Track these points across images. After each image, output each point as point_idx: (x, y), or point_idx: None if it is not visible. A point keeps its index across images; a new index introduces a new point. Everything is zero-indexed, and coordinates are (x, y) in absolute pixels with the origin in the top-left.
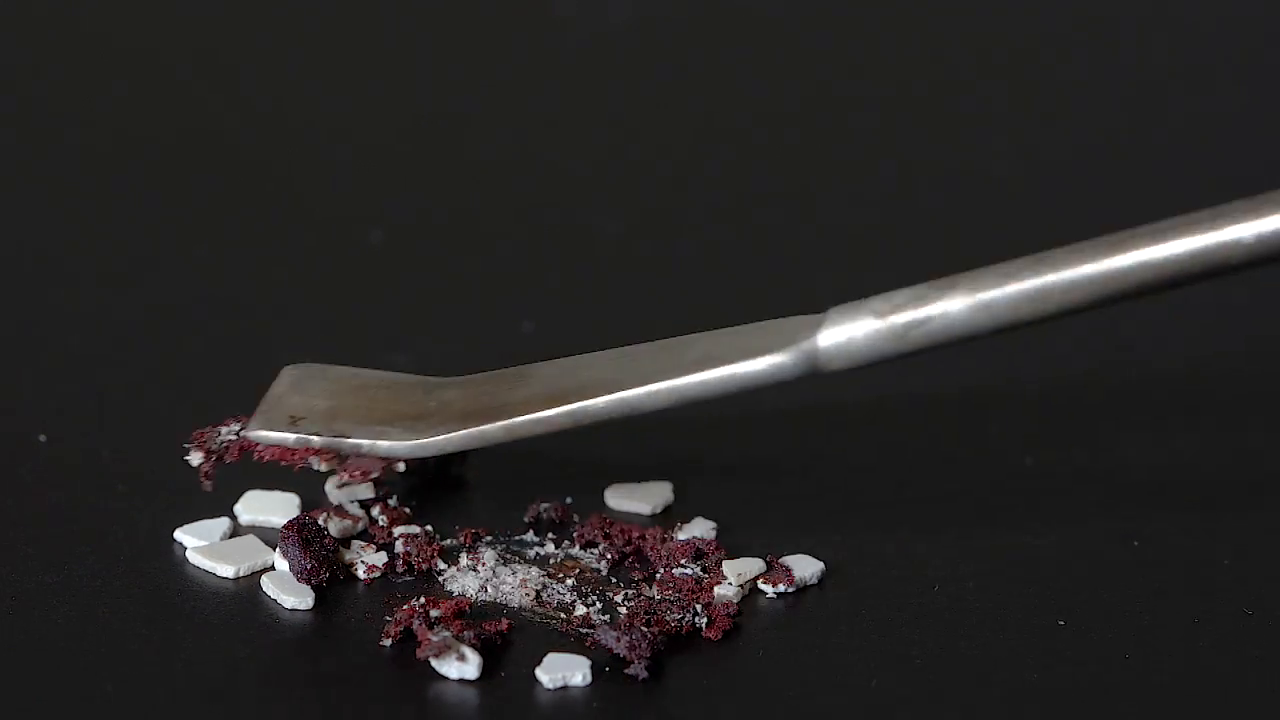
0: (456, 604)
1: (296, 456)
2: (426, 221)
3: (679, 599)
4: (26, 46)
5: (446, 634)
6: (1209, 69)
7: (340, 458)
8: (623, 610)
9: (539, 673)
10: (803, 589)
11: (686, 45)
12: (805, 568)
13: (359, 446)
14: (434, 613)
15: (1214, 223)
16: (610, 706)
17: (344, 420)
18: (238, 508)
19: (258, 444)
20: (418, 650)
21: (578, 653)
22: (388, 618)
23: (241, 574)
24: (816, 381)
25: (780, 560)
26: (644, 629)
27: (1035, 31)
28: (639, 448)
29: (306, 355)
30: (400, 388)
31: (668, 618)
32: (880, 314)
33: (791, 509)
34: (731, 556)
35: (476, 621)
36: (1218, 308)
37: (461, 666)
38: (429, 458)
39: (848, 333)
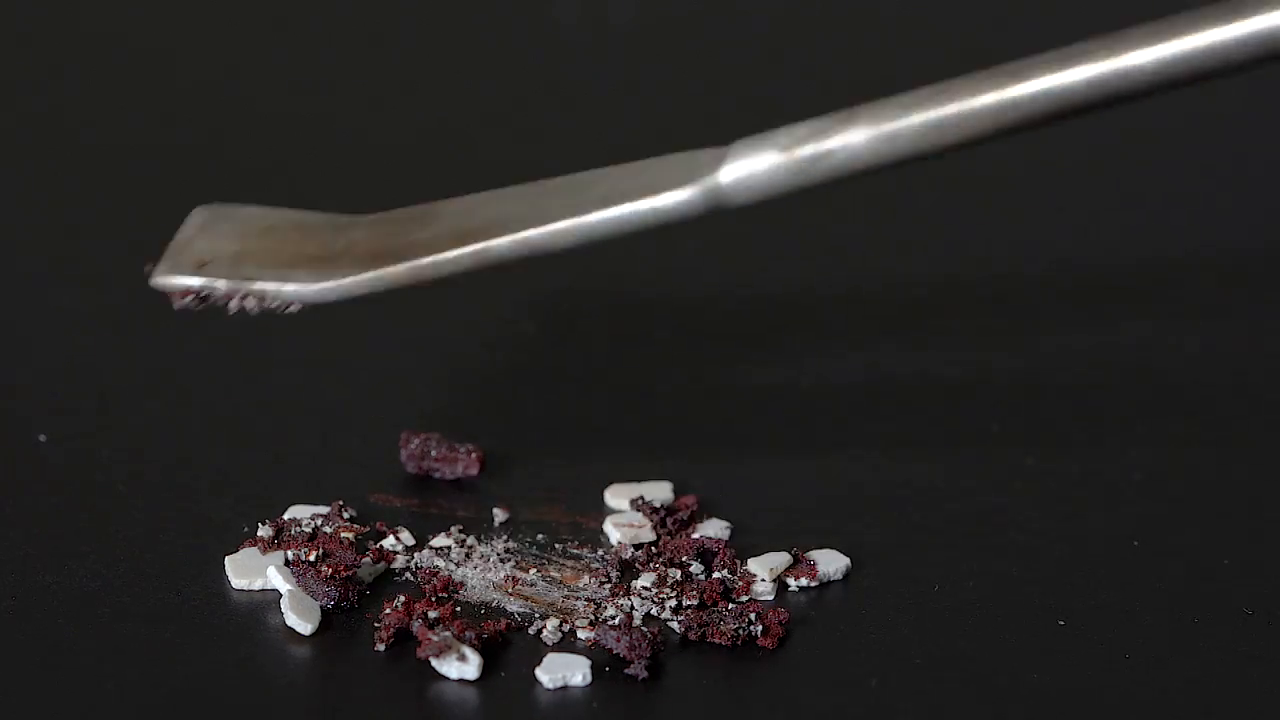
0: (453, 605)
1: (208, 300)
2: None
3: (734, 609)
4: (27, 47)
5: (447, 634)
6: None
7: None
8: (678, 621)
9: (539, 673)
10: (826, 583)
11: (686, 45)
12: (830, 562)
13: (264, 291)
14: (432, 614)
15: (1113, 49)
16: (610, 706)
17: (250, 263)
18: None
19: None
20: (418, 650)
21: (577, 653)
22: (376, 624)
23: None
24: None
25: (806, 554)
26: (644, 629)
27: None
28: (639, 448)
29: (306, 355)
30: (309, 228)
31: (722, 627)
32: (783, 148)
33: (790, 509)
34: (740, 556)
35: (477, 622)
36: (1218, 308)
37: (461, 666)
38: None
39: (749, 167)
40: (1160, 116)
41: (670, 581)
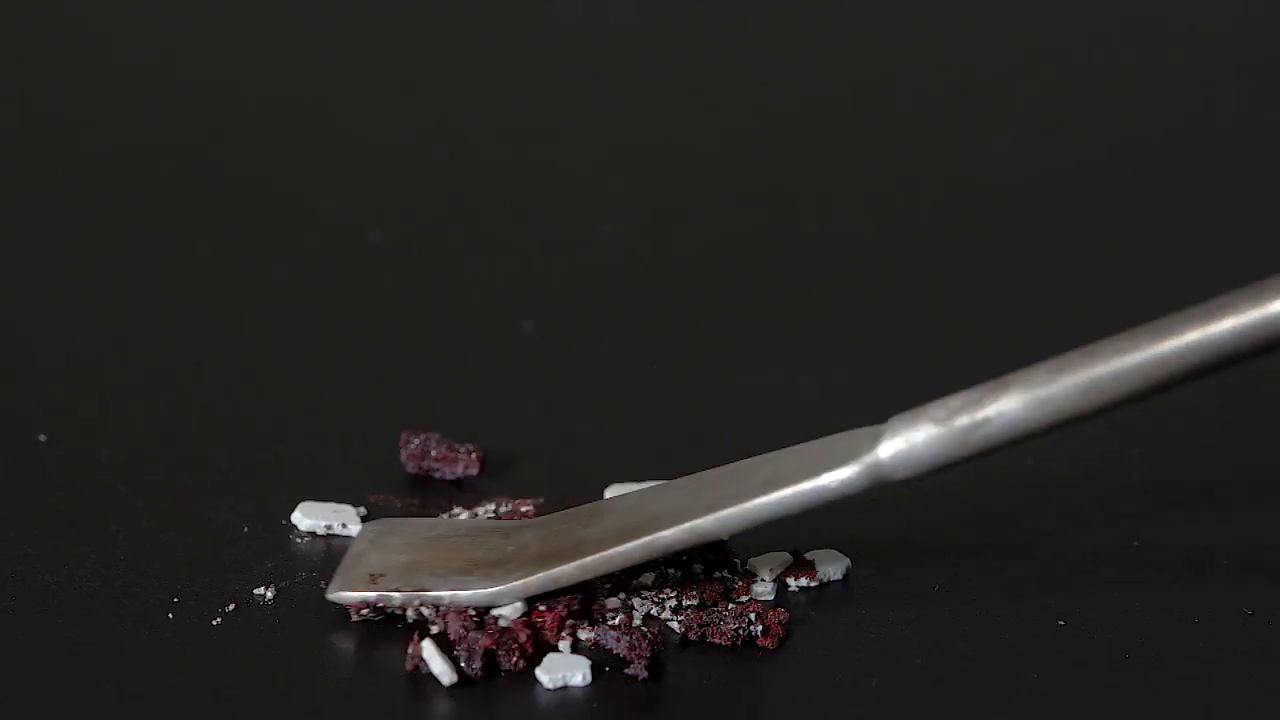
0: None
1: (382, 610)
2: (426, 222)
3: (734, 609)
4: (27, 46)
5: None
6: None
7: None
8: (678, 621)
9: (539, 673)
10: (826, 584)
11: (687, 46)
12: (830, 562)
13: (440, 599)
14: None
15: (1257, 299)
16: (610, 706)
17: (423, 573)
18: (295, 516)
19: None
20: (407, 660)
21: (577, 653)
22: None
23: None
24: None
25: (806, 555)
26: (644, 629)
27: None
28: (639, 448)
29: (306, 355)
30: (477, 534)
31: (722, 627)
32: (939, 420)
33: None
34: (739, 555)
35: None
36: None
37: (441, 670)
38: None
39: (908, 441)
40: None
41: (671, 580)
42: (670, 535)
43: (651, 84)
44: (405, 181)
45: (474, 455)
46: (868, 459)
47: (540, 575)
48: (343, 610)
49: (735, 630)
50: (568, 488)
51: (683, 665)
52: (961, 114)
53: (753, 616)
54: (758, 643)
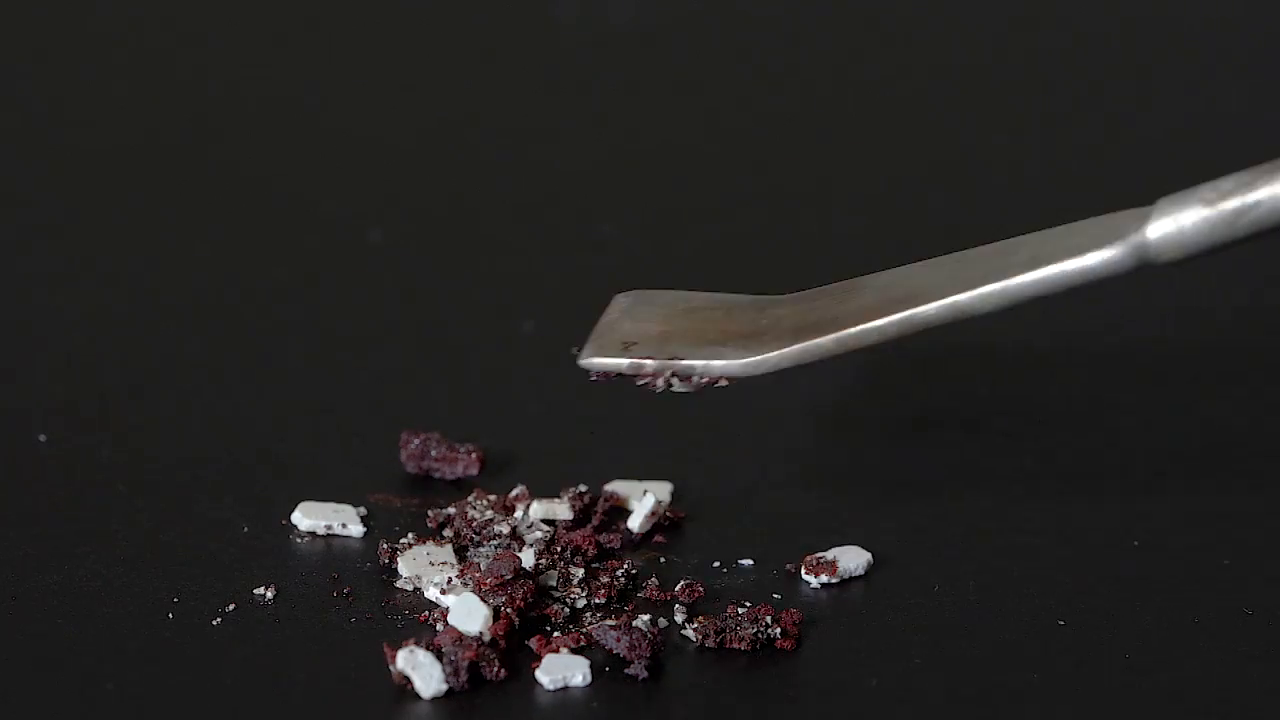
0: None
1: (634, 379)
2: (426, 221)
3: (747, 612)
4: (27, 46)
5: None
6: None
7: (681, 378)
8: (692, 628)
9: (539, 673)
10: (847, 580)
11: (687, 45)
12: (852, 559)
13: (693, 368)
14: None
15: None
16: (610, 707)
17: (677, 343)
18: (295, 516)
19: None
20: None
21: (577, 653)
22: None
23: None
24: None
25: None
26: (644, 629)
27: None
28: (639, 448)
29: (305, 355)
30: (732, 308)
31: (740, 632)
32: (1209, 202)
33: (788, 509)
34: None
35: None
36: (1218, 308)
37: (425, 676)
38: None
39: (1177, 223)
40: None
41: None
42: (930, 310)
43: (652, 84)
44: (405, 181)
45: (474, 455)
46: (1134, 239)
47: (796, 347)
48: (343, 610)
49: (755, 635)
50: (568, 488)
51: (682, 665)
52: (962, 114)
53: (769, 620)
54: (776, 645)
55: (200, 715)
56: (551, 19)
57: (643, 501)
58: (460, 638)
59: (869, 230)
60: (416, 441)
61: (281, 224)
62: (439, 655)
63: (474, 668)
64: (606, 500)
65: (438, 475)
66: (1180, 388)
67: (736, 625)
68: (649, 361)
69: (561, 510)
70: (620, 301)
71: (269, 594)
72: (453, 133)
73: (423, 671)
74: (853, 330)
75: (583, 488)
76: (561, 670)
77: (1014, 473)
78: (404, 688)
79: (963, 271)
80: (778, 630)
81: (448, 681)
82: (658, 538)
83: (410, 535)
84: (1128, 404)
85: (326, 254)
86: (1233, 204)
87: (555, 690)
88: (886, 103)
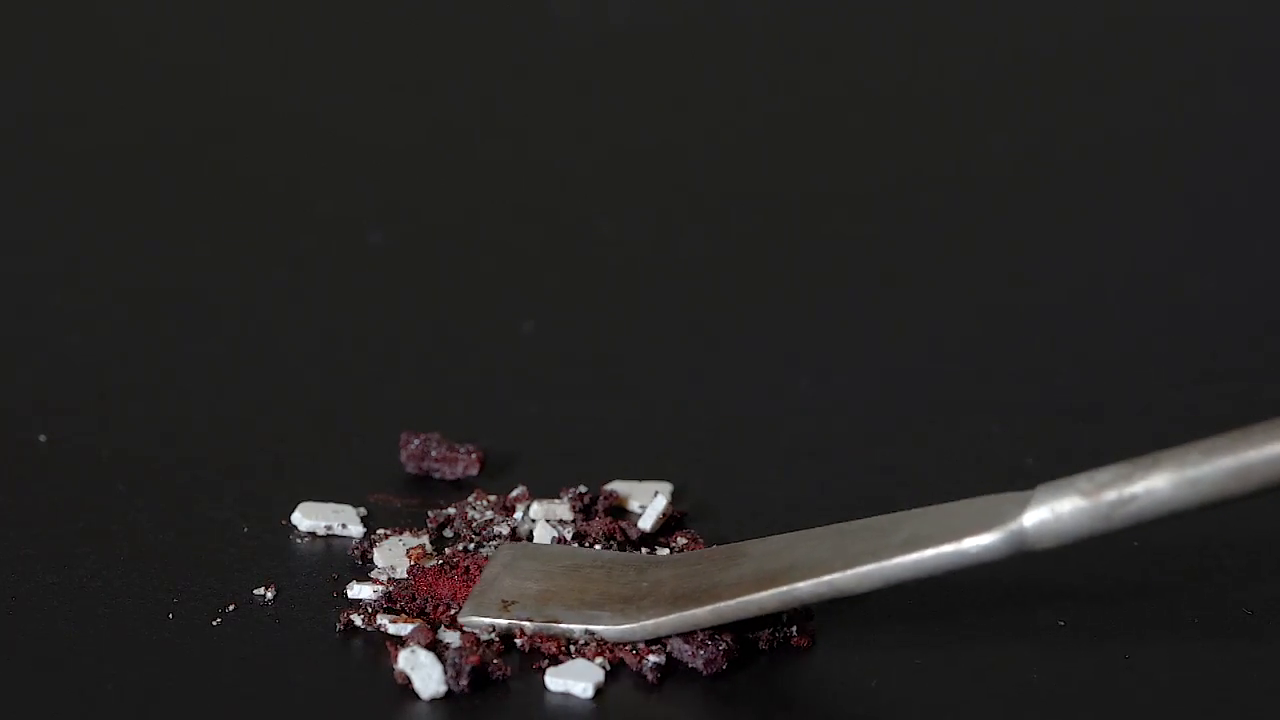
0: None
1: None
2: (426, 221)
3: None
4: (27, 46)
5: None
6: None
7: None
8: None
9: (547, 676)
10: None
11: (687, 45)
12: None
13: (570, 632)
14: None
15: None
16: (610, 707)
17: (556, 604)
18: (295, 516)
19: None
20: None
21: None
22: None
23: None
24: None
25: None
26: (719, 639)
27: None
28: (639, 448)
29: (306, 355)
30: (613, 567)
31: (759, 630)
32: (1085, 493)
33: (788, 509)
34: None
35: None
36: (1217, 308)
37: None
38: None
39: (1054, 511)
40: None
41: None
42: (806, 588)
43: (652, 83)
44: (405, 181)
45: (474, 455)
46: (1011, 526)
47: (673, 616)
48: (343, 610)
49: (772, 634)
50: (568, 488)
51: (682, 666)
52: (961, 114)
53: (784, 618)
54: (792, 643)
55: (200, 715)
56: (550, 18)
57: (654, 502)
58: (471, 641)
59: (869, 230)
60: (417, 442)
61: (282, 224)
62: (441, 657)
63: (476, 672)
64: (607, 500)
65: (438, 475)
66: (1179, 389)
67: (756, 624)
68: (528, 623)
69: (561, 510)
70: (503, 555)
71: (269, 594)
72: (452, 133)
73: (422, 672)
74: (730, 603)
75: (583, 488)
76: (566, 675)
77: (1014, 472)
78: (404, 687)
79: (843, 545)
80: (793, 629)
81: (448, 683)
82: (678, 536)
83: (383, 530)
84: (1127, 405)
85: (326, 254)
86: (1110, 496)
87: (555, 691)
88: (887, 103)
